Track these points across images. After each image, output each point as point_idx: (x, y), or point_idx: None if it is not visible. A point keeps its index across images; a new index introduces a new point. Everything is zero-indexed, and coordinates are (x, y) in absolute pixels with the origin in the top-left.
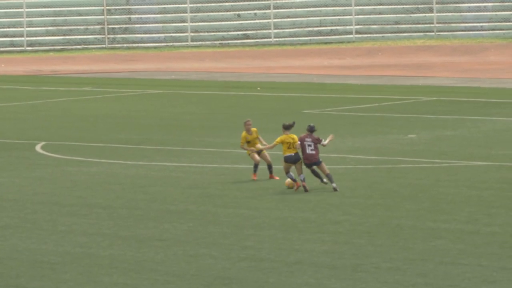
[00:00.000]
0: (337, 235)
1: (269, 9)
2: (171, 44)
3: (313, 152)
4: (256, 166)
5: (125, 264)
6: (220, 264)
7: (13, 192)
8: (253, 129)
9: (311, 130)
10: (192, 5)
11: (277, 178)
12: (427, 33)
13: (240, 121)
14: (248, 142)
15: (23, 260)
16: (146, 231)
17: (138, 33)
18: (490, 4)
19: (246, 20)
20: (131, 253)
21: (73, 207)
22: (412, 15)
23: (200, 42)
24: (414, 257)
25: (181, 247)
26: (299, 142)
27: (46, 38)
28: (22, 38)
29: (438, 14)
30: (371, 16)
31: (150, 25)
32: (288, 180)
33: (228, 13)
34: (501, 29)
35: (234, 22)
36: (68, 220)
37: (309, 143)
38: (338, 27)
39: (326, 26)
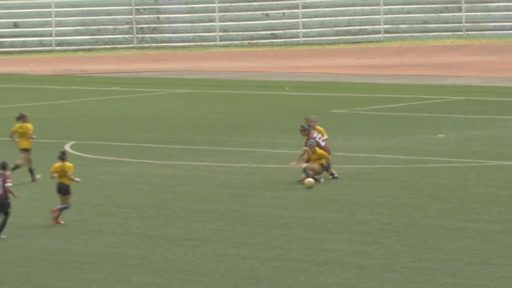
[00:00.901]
0: (366, 235)
1: (298, 8)
2: (199, 43)
3: None
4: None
5: (154, 264)
6: (249, 264)
7: (43, 192)
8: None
9: None
10: (220, 4)
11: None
12: (456, 33)
13: (269, 121)
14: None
15: (52, 259)
16: (175, 230)
17: (166, 33)
18: None
19: (274, 19)
20: (160, 253)
21: (103, 207)
22: (440, 14)
23: (229, 42)
24: (443, 257)
25: (210, 246)
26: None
27: (75, 37)
28: (51, 38)
29: (467, 13)
30: (400, 15)
31: (179, 24)
32: (308, 179)
33: (256, 12)
34: None
35: (263, 22)
36: (98, 220)
37: None
38: (366, 27)
39: (354, 25)
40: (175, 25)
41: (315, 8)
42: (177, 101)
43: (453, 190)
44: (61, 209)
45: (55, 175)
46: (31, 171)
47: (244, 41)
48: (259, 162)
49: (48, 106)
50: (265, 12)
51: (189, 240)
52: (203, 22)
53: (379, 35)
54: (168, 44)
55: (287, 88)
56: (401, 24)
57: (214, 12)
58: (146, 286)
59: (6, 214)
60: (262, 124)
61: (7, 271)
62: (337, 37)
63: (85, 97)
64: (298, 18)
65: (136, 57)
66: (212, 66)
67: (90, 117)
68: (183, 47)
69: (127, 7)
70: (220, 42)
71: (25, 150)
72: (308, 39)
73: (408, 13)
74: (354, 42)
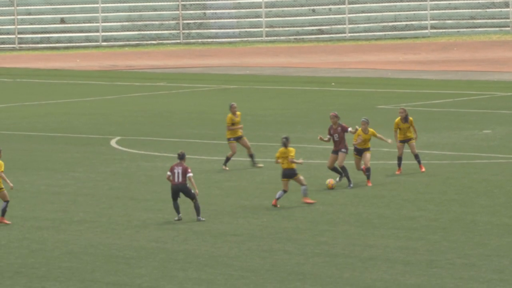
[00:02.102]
0: (411, 231)
1: (344, 4)
2: (245, 39)
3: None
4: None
5: (199, 259)
6: (294, 259)
7: (89, 187)
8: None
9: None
10: (266, 0)
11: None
12: (503, 28)
13: (315, 117)
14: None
15: (98, 254)
16: (220, 226)
17: (213, 28)
18: None
19: (320, 15)
20: (206, 248)
21: (148, 202)
22: (487, 10)
23: (275, 37)
24: (490, 253)
25: (255, 242)
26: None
27: (121, 33)
28: (98, 34)
29: None
30: (446, 11)
31: (225, 20)
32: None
33: (302, 8)
34: None
35: (309, 17)
36: (143, 215)
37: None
38: (413, 22)
39: (401, 21)
40: (222, 20)
41: (361, 3)
42: (223, 96)
43: (499, 186)
44: (280, 196)
45: (279, 160)
46: (251, 155)
47: (290, 37)
48: (305, 157)
49: (94, 102)
50: (312, 7)
51: (234, 236)
52: (250, 18)
53: (426, 31)
54: (214, 40)
55: (333, 83)
56: (448, 19)
57: (261, 7)
58: (192, 282)
59: (192, 197)
60: (308, 120)
61: (52, 266)
62: (384, 33)
63: (131, 93)
64: (344, 14)
65: (182, 52)
66: (258, 62)
67: (136, 112)
68: (229, 42)
69: (174, 3)
70: (266, 38)
71: (238, 139)
72: (355, 34)
73: (455, 8)
74: (400, 38)
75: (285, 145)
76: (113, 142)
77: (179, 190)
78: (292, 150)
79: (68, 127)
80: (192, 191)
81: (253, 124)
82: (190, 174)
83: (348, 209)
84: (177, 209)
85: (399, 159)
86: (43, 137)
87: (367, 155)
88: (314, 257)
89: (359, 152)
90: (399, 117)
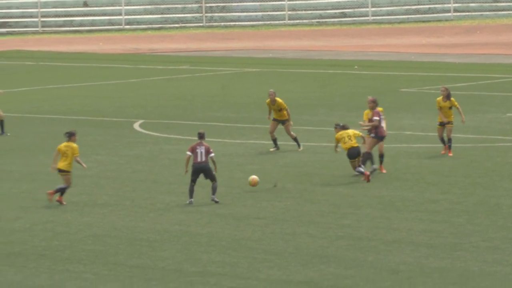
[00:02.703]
0: (435, 214)
1: None
2: (268, 22)
3: None
4: None
5: (223, 242)
6: (318, 243)
7: (112, 170)
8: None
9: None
10: None
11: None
12: None
13: (338, 100)
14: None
15: (122, 237)
16: (244, 209)
17: (235, 12)
18: None
19: None
20: (229, 231)
21: (171, 185)
22: None
23: (298, 21)
24: None
25: (278, 225)
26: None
27: (144, 16)
28: (120, 17)
29: None
30: None
31: (248, 3)
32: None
33: None
34: None
35: (332, 1)
36: (166, 198)
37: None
38: (436, 5)
39: (424, 4)
40: (244, 4)
41: None
42: (245, 80)
43: None
44: (371, 172)
45: (339, 144)
46: (296, 140)
47: (313, 20)
48: (327, 141)
49: (117, 85)
50: None
51: (257, 219)
52: (272, 1)
53: (449, 14)
54: (236, 23)
55: (356, 67)
56: (471, 2)
57: None
58: (215, 264)
59: (213, 179)
60: (331, 103)
61: (76, 249)
62: (407, 16)
63: (154, 76)
64: None
65: (204, 36)
66: (281, 45)
67: (159, 95)
68: (252, 26)
69: None
70: (289, 21)
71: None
72: (378, 17)
73: None
74: (423, 21)
75: (344, 127)
76: (136, 125)
77: (202, 169)
78: (356, 133)
79: (91, 110)
80: (213, 172)
81: None
82: (213, 154)
83: (372, 192)
84: (192, 192)
85: (442, 140)
86: (66, 120)
87: (381, 143)
88: (337, 240)
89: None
90: (440, 96)
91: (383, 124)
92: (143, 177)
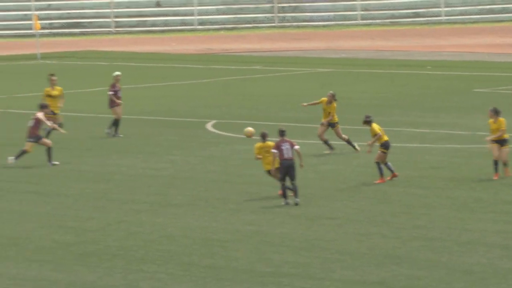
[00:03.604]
0: (509, 215)
1: None
2: (340, 22)
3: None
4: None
5: (295, 242)
6: (391, 243)
7: (186, 170)
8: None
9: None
10: None
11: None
12: None
13: (411, 100)
14: (49, 96)
15: (195, 237)
16: (316, 209)
17: (307, 12)
18: None
19: None
20: (302, 231)
21: (244, 185)
22: None
23: (370, 21)
24: None
25: (351, 225)
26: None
27: (217, 17)
28: (193, 17)
29: None
30: None
31: (320, 3)
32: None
33: None
34: None
35: (405, 0)
36: (239, 198)
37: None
38: (510, 5)
39: (497, 4)
40: (316, 4)
41: None
42: (318, 80)
43: None
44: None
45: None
46: (349, 142)
47: (385, 20)
48: (402, 141)
49: (190, 85)
50: None
51: (330, 219)
52: (344, 1)
53: None
54: (309, 23)
55: (429, 67)
56: None
57: None
58: (288, 265)
59: (293, 177)
60: (404, 104)
61: (150, 249)
62: (480, 16)
63: (227, 76)
64: None
65: (277, 36)
66: (353, 45)
67: (231, 96)
68: (324, 26)
69: None
70: (361, 21)
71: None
72: (451, 17)
73: None
74: (497, 21)
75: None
76: (209, 126)
77: (289, 166)
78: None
79: (165, 111)
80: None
81: (348, 107)
82: (297, 147)
83: (445, 192)
84: (285, 192)
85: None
86: (139, 121)
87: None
88: (410, 241)
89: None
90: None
91: None
92: (216, 177)
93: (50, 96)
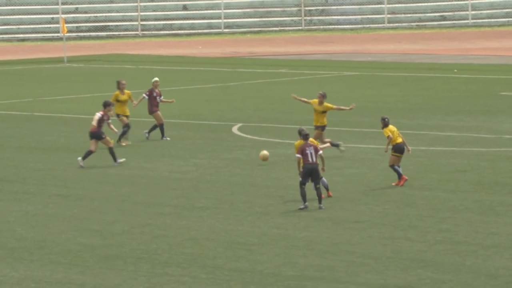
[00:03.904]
0: None
1: None
2: (367, 26)
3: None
4: None
5: (320, 246)
6: (416, 247)
7: (211, 174)
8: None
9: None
10: None
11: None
12: None
13: (437, 103)
14: (118, 101)
15: (220, 241)
16: (342, 213)
17: (334, 15)
18: None
19: (443, 1)
20: (327, 235)
21: (269, 189)
22: None
23: (397, 24)
24: None
25: (377, 229)
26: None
27: (243, 20)
28: (220, 20)
29: None
30: None
31: (347, 7)
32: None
33: None
34: None
35: (431, 3)
36: (264, 202)
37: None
38: None
39: None
40: (343, 7)
41: None
42: (344, 83)
43: None
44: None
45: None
46: (333, 144)
47: (412, 23)
48: (426, 144)
49: (216, 88)
50: None
51: (356, 223)
52: (371, 4)
53: None
54: (336, 27)
55: (456, 70)
56: None
57: None
58: (313, 268)
59: (318, 182)
60: (430, 107)
61: (174, 252)
62: (507, 19)
63: (253, 79)
64: (467, 0)
65: (304, 39)
66: (380, 49)
67: (258, 99)
68: (351, 29)
69: None
70: (388, 24)
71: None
72: (478, 21)
73: None
74: None
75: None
76: (235, 129)
77: (313, 170)
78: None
79: (191, 114)
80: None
81: (374, 110)
82: (321, 152)
83: (471, 196)
84: (305, 196)
85: None
86: (165, 124)
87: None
88: (436, 245)
89: None
90: None
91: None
92: (242, 180)
93: (118, 101)
